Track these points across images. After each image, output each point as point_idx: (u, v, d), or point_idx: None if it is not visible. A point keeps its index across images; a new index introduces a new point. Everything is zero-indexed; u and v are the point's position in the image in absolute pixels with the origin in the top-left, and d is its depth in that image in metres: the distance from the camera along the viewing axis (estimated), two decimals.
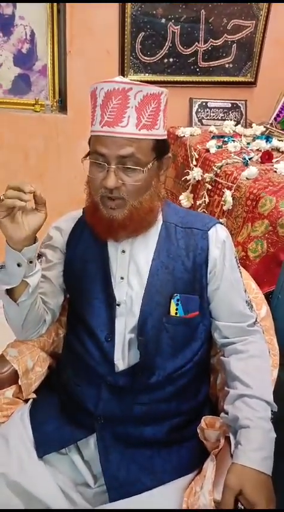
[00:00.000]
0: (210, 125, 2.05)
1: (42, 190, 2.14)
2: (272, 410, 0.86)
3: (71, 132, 2.01)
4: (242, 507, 0.75)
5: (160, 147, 0.86)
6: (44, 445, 0.91)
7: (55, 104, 2.01)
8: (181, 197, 1.80)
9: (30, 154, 2.02)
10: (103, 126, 0.81)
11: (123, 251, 0.93)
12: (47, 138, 2.00)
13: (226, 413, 0.87)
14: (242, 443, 0.79)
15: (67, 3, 1.79)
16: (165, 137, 0.88)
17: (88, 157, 0.86)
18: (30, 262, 0.84)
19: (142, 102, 0.80)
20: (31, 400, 1.02)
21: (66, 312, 1.11)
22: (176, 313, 0.91)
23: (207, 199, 1.64)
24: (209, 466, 0.84)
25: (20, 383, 1.01)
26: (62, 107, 2.03)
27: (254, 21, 2.00)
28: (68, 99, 1.96)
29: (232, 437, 0.84)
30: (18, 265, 0.82)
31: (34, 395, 1.04)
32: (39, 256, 1.02)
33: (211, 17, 1.93)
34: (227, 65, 2.08)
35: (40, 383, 1.06)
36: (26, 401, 1.04)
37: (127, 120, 0.80)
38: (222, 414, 0.89)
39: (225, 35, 2.00)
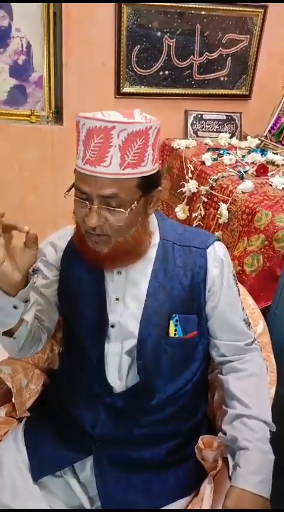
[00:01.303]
0: (205, 137, 2.06)
1: (37, 202, 2.16)
2: (270, 430, 0.85)
3: (67, 143, 2.00)
4: None
5: (148, 183, 0.81)
6: (39, 469, 0.89)
7: (51, 115, 2.01)
8: (176, 209, 1.81)
9: (25, 166, 2.02)
10: (85, 164, 0.77)
11: (119, 272, 0.91)
12: (42, 149, 2.00)
13: (224, 433, 0.86)
14: (241, 466, 0.79)
15: (63, 16, 1.80)
16: (155, 171, 0.83)
17: (72, 190, 0.82)
18: (26, 301, 0.80)
19: (126, 140, 0.75)
20: (25, 419, 1.01)
21: (62, 328, 1.10)
22: (175, 334, 0.90)
23: (202, 212, 1.64)
24: (207, 489, 0.83)
25: (13, 401, 1.00)
26: (58, 118, 2.04)
27: (248, 36, 2.03)
28: (64, 111, 1.97)
29: (230, 459, 0.83)
30: (15, 307, 0.78)
31: (28, 414, 1.02)
32: (34, 271, 1.01)
33: (206, 30, 1.96)
34: (222, 78, 2.10)
35: (34, 400, 1.05)
36: (20, 420, 1.02)
37: (109, 160, 0.75)
38: (220, 434, 0.88)
39: (220, 48, 2.02)
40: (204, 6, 1.90)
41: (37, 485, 0.88)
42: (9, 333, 0.82)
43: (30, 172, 2.03)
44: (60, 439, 0.93)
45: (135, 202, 0.80)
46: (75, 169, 0.82)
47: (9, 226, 0.73)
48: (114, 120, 0.75)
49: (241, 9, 1.96)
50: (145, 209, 0.84)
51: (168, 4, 1.86)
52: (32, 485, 0.87)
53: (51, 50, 1.91)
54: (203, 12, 1.92)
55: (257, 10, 1.98)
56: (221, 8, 1.93)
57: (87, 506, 0.88)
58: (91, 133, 0.75)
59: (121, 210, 0.78)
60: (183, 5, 1.88)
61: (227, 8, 1.94)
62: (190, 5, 1.88)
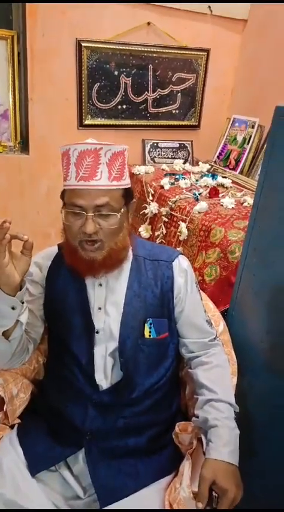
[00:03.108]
0: (162, 163, 2.26)
1: None
2: (234, 411, 1.01)
3: (34, 170, 2.12)
4: (216, 495, 0.87)
5: (128, 194, 0.99)
6: (36, 465, 0.96)
7: (17, 145, 2.12)
8: (140, 229, 1.97)
9: None
10: (79, 181, 0.91)
11: (100, 284, 1.03)
12: (10, 176, 2.09)
13: (197, 417, 1.00)
14: (213, 441, 0.92)
15: (28, 55, 1.94)
16: (130, 186, 1.00)
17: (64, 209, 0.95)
18: (22, 302, 0.90)
19: (111, 158, 0.92)
20: (16, 426, 1.08)
21: (45, 341, 1.20)
22: (149, 335, 1.03)
23: (164, 231, 1.81)
24: (185, 465, 0.96)
25: (6, 409, 1.08)
26: (24, 147, 2.14)
27: (195, 75, 2.28)
28: (30, 141, 2.08)
29: (203, 438, 0.96)
30: (13, 308, 0.88)
31: (19, 421, 1.10)
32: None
33: (158, 70, 2.18)
34: (174, 111, 2.32)
35: (24, 408, 1.13)
36: (11, 427, 1.10)
37: (100, 174, 0.91)
38: (193, 418, 1.02)
39: (171, 85, 2.25)
40: (154, 50, 2.13)
41: (35, 479, 0.96)
42: (5, 336, 0.92)
43: None
44: (52, 437, 1.01)
45: (122, 208, 0.95)
46: (63, 190, 0.96)
47: (12, 235, 0.85)
48: (101, 143, 0.92)
49: (187, 52, 2.21)
50: (127, 217, 1.01)
51: (123, 48, 2.06)
52: (30, 480, 0.94)
53: (17, 85, 2.03)
54: (154, 55, 2.14)
55: (201, 53, 2.24)
56: (170, 51, 2.16)
57: (82, 495, 0.97)
58: (83, 155, 0.91)
59: (113, 214, 0.93)
60: (137, 48, 2.09)
61: (175, 51, 2.17)
62: (142, 48, 2.10)
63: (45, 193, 2.17)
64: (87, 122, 2.12)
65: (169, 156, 2.36)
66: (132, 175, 2.14)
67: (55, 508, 0.94)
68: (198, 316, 1.10)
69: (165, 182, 1.91)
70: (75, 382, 1.03)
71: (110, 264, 0.98)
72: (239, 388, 1.13)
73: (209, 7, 2.15)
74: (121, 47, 2.06)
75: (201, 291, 1.16)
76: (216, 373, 1.06)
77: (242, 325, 1.27)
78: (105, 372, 1.03)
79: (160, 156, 2.34)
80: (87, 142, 0.92)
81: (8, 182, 2.10)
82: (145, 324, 1.03)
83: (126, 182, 0.97)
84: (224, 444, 0.92)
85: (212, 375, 1.05)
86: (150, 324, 1.03)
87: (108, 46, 2.03)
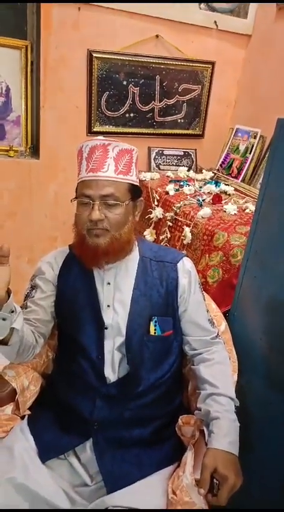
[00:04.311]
0: (167, 170, 2.34)
1: (15, 227, 2.41)
2: (235, 405, 1.06)
3: (43, 175, 2.19)
4: (217, 482, 0.93)
5: (134, 191, 1.05)
6: (46, 452, 1.02)
7: (28, 150, 2.19)
8: (145, 233, 2.03)
9: (3, 194, 2.16)
10: (88, 173, 1.00)
11: (108, 283, 1.09)
12: (20, 180, 2.15)
13: (199, 409, 1.06)
14: (214, 432, 0.98)
15: (41, 64, 2.01)
16: (138, 184, 1.07)
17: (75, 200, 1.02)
18: (12, 311, 0.89)
19: (118, 154, 1.00)
20: (27, 417, 1.13)
21: (55, 337, 1.26)
22: (155, 332, 1.09)
23: (168, 235, 1.87)
24: (188, 455, 1.01)
25: (18, 400, 1.13)
26: (34, 152, 2.21)
27: (200, 86, 2.36)
28: (41, 146, 2.14)
29: (205, 429, 1.02)
30: (3, 319, 0.87)
31: (29, 412, 1.15)
32: (33, 287, 1.18)
33: (165, 81, 2.26)
34: (179, 120, 2.40)
35: (34, 400, 1.18)
36: (22, 417, 1.15)
37: (107, 167, 0.99)
38: (196, 411, 1.07)
39: (177, 96, 2.33)
40: (162, 61, 2.21)
41: (45, 466, 1.01)
42: (4, 342, 0.94)
43: (8, 200, 2.18)
44: (61, 427, 1.06)
45: (127, 201, 1.02)
46: (77, 184, 1.04)
47: None
48: (110, 139, 1.01)
49: (193, 64, 2.29)
50: (133, 213, 1.06)
51: (132, 59, 2.15)
52: (40, 467, 0.99)
53: (29, 93, 2.11)
54: (162, 66, 2.22)
55: (206, 66, 2.32)
56: (176, 63, 2.25)
57: (89, 483, 1.02)
58: (93, 149, 0.99)
59: (118, 203, 0.99)
60: (145, 60, 2.18)
61: (182, 63, 2.26)
62: (151, 59, 2.19)
63: (53, 197, 2.24)
64: (95, 129, 2.20)
65: (174, 164, 2.43)
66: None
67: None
68: (201, 315, 1.15)
69: (170, 188, 1.97)
70: (84, 376, 1.08)
71: (113, 253, 1.03)
72: (239, 385, 1.18)
73: (215, 22, 2.24)
74: (130, 58, 2.14)
75: (204, 292, 1.22)
76: (218, 369, 1.11)
77: (243, 325, 1.32)
78: (112, 366, 1.08)
79: (165, 163, 2.41)
80: (97, 139, 1.01)
81: (18, 186, 2.17)
82: (151, 322, 1.08)
83: (132, 178, 1.04)
84: (225, 435, 0.97)
85: (214, 370, 1.10)
86: (155, 321, 1.09)
87: (118, 57, 2.11)
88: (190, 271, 1.14)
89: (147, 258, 1.13)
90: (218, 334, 1.19)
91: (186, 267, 1.14)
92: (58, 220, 2.27)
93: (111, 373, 1.08)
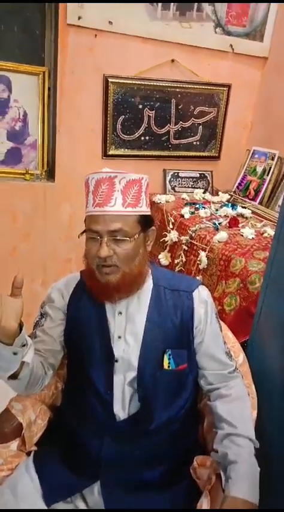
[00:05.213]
0: (182, 192, 2.31)
1: (29, 249, 2.37)
2: (254, 447, 0.98)
3: (57, 198, 2.19)
4: None
5: (145, 221, 1.01)
6: (52, 495, 0.96)
7: (44, 173, 2.20)
8: (160, 256, 1.99)
9: (18, 216, 2.17)
10: (95, 207, 0.96)
11: (120, 313, 1.04)
12: (35, 202, 2.16)
13: (216, 451, 0.98)
14: (232, 477, 0.91)
15: (58, 90, 2.05)
16: (149, 213, 1.03)
17: (84, 234, 1.00)
18: (23, 345, 0.87)
19: (126, 186, 0.96)
20: (33, 453, 1.08)
21: (64, 366, 1.21)
22: (168, 366, 1.03)
23: (183, 259, 1.83)
24: (203, 502, 0.94)
25: (24, 435, 1.08)
26: (50, 175, 2.23)
27: (216, 108, 2.35)
28: (56, 169, 2.16)
29: (222, 474, 0.94)
30: (14, 353, 0.85)
31: (35, 448, 1.10)
32: (43, 315, 1.14)
33: (181, 104, 2.26)
34: (194, 143, 2.39)
35: (41, 435, 1.13)
36: (28, 454, 1.10)
37: (114, 200, 0.95)
38: (212, 453, 1.00)
39: (192, 118, 2.32)
40: (178, 85, 2.22)
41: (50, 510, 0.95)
42: (13, 376, 0.91)
43: (23, 222, 2.18)
44: (68, 467, 1.01)
45: (137, 234, 0.98)
46: (85, 217, 1.01)
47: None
48: (116, 171, 0.97)
49: (209, 87, 2.29)
50: (144, 244, 1.02)
51: (148, 83, 2.16)
52: (45, 510, 0.94)
53: (46, 118, 2.14)
54: (177, 89, 2.22)
55: (222, 88, 2.31)
56: (192, 86, 2.25)
57: None
58: (99, 183, 0.96)
59: (126, 238, 0.95)
60: (161, 84, 2.18)
61: (197, 86, 2.26)
62: (166, 84, 2.20)
63: (68, 220, 2.24)
64: (111, 152, 2.20)
65: (190, 186, 2.41)
66: (152, 203, 2.18)
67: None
68: (218, 347, 1.09)
69: (185, 211, 1.94)
70: (92, 411, 1.03)
71: (125, 288, 0.99)
72: (258, 422, 1.10)
73: (231, 46, 2.24)
74: (146, 82, 2.15)
75: (220, 321, 1.16)
76: (236, 406, 1.04)
77: (262, 357, 1.25)
78: (123, 402, 1.03)
79: (180, 186, 2.39)
80: (103, 171, 0.98)
81: (33, 208, 2.17)
82: (164, 355, 1.03)
83: (142, 209, 1.00)
84: (243, 481, 0.90)
85: (232, 408, 1.04)
86: (169, 355, 1.04)
87: (133, 82, 2.12)
88: (207, 300, 1.09)
89: (160, 287, 1.09)
90: (236, 367, 1.12)
91: (202, 295, 1.09)
92: (72, 243, 2.25)
93: (120, 410, 1.02)
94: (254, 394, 1.17)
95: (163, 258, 1.97)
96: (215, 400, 1.08)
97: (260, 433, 1.05)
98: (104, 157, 2.20)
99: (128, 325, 1.05)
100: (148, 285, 1.07)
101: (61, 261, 2.30)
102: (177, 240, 1.89)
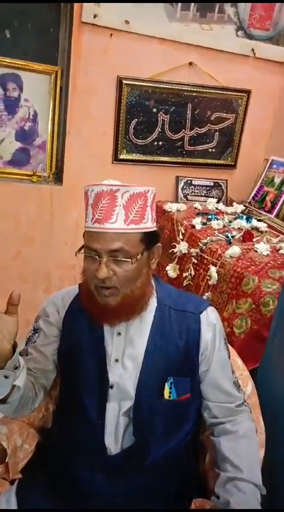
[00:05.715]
0: (194, 201, 2.21)
1: (32, 254, 2.24)
2: (260, 493, 0.88)
3: (64, 202, 2.12)
4: None
5: (149, 238, 0.91)
6: None
7: (51, 175, 2.14)
8: (167, 268, 1.90)
9: (23, 220, 2.10)
10: (94, 223, 0.86)
11: (119, 333, 0.95)
12: (41, 206, 2.10)
13: (217, 496, 0.88)
14: None
15: (70, 90, 1.98)
16: (154, 229, 0.93)
17: (82, 251, 0.90)
18: (15, 368, 0.80)
19: (129, 200, 0.86)
20: (17, 482, 0.99)
21: (58, 386, 1.12)
22: (169, 396, 0.94)
23: (192, 272, 1.73)
24: None
25: (8, 462, 0.99)
26: (58, 178, 2.16)
27: (234, 115, 2.25)
28: (64, 172, 2.09)
29: None
30: (5, 377, 0.79)
31: (20, 476, 1.01)
32: (36, 330, 1.06)
33: (197, 109, 2.17)
34: (210, 150, 2.29)
35: (27, 461, 1.04)
36: (12, 482, 1.01)
37: (116, 217, 0.85)
38: (213, 498, 0.90)
39: (209, 124, 2.23)
40: (195, 89, 2.13)
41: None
42: (2, 400, 0.83)
43: (27, 226, 2.11)
44: (54, 500, 0.92)
45: (139, 254, 0.88)
46: (84, 232, 0.91)
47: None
48: (118, 184, 0.87)
49: (227, 92, 2.19)
50: (148, 263, 0.92)
51: (164, 86, 2.07)
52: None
53: (56, 118, 2.07)
54: (194, 94, 2.13)
55: (242, 94, 2.22)
56: (210, 91, 2.16)
57: None
58: (99, 196, 0.86)
59: (128, 260, 0.86)
60: (177, 87, 2.10)
61: (215, 91, 2.16)
62: (183, 87, 2.11)
63: (74, 225, 2.16)
64: (122, 157, 2.12)
65: (203, 195, 2.31)
66: (163, 212, 2.10)
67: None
68: (225, 377, 0.99)
69: (197, 222, 1.85)
70: (83, 440, 0.94)
71: (125, 312, 0.91)
72: (266, 461, 1.00)
73: (252, 50, 2.15)
74: (161, 85, 2.07)
75: (229, 347, 1.06)
76: (242, 445, 0.95)
77: (273, 388, 1.15)
78: (116, 434, 0.94)
79: (193, 194, 2.29)
80: (103, 184, 0.87)
81: (39, 212, 2.11)
82: (165, 383, 0.94)
83: (147, 225, 0.90)
84: None
85: (237, 447, 0.94)
86: (171, 383, 0.94)
87: (148, 84, 2.05)
88: (215, 324, 0.99)
89: (165, 306, 0.99)
90: (244, 399, 1.02)
91: (210, 318, 0.99)
92: (78, 248, 2.17)
93: (112, 443, 0.93)
94: (263, 430, 1.07)
95: (171, 270, 1.87)
96: (220, 436, 0.98)
97: (267, 472, 0.95)
98: (115, 162, 2.13)
99: (127, 348, 0.96)
100: (152, 303, 0.98)
101: (65, 267, 2.22)
102: (186, 251, 1.80)
